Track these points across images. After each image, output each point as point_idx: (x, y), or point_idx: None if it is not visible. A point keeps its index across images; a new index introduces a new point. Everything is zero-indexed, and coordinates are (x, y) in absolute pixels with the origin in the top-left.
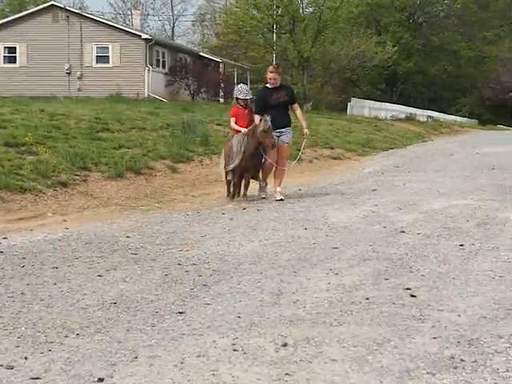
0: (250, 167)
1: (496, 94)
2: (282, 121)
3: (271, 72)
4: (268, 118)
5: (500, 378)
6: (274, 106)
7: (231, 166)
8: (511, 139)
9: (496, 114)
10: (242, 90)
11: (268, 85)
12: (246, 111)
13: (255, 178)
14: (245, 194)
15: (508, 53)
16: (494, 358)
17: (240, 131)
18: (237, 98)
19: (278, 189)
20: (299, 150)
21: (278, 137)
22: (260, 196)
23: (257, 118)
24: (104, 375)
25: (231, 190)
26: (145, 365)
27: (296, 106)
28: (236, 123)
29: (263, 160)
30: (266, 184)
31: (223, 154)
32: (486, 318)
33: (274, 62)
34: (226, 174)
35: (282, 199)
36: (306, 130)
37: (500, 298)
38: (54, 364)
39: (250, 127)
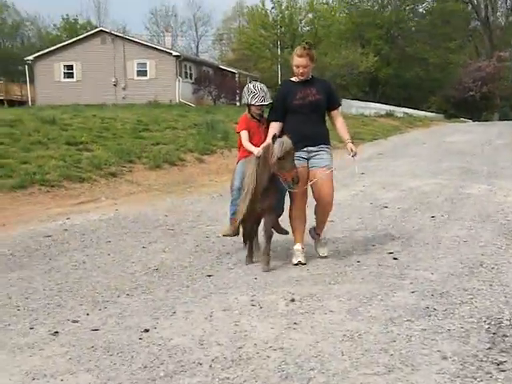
0: (261, 210)
1: (458, 93)
2: (311, 133)
3: (299, 56)
4: (286, 137)
5: (465, 322)
6: (299, 109)
7: (238, 216)
8: (471, 130)
9: (459, 109)
10: (256, 92)
11: (293, 78)
12: (263, 126)
13: (277, 229)
14: (265, 254)
15: (468, 59)
16: (460, 307)
17: (252, 153)
18: (249, 105)
19: (321, 239)
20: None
21: (307, 159)
22: (293, 262)
23: (272, 128)
24: (149, 326)
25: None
26: (181, 318)
27: (337, 112)
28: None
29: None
30: (303, 248)
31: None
32: (453, 275)
33: (305, 41)
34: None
35: (325, 256)
36: (351, 146)
37: (465, 259)
38: (109, 318)
39: (261, 148)
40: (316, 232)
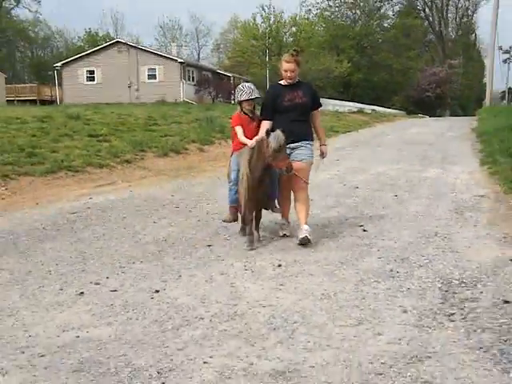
0: (258, 197)
1: (417, 94)
2: (296, 131)
3: (287, 62)
4: (279, 131)
5: (422, 282)
6: (287, 110)
7: (241, 204)
8: (427, 124)
9: (417, 107)
10: (244, 89)
11: (282, 81)
12: (254, 122)
13: (270, 208)
14: (256, 231)
15: (425, 66)
16: (418, 269)
17: (246, 145)
18: (240, 103)
19: (305, 226)
20: None
21: (289, 154)
22: (279, 234)
23: (264, 125)
24: (159, 288)
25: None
26: (186, 281)
27: (318, 112)
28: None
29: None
30: (288, 222)
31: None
32: (412, 244)
33: (293, 49)
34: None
35: (306, 239)
36: (324, 148)
37: (422, 230)
38: (125, 281)
39: (254, 140)
40: (300, 227)
